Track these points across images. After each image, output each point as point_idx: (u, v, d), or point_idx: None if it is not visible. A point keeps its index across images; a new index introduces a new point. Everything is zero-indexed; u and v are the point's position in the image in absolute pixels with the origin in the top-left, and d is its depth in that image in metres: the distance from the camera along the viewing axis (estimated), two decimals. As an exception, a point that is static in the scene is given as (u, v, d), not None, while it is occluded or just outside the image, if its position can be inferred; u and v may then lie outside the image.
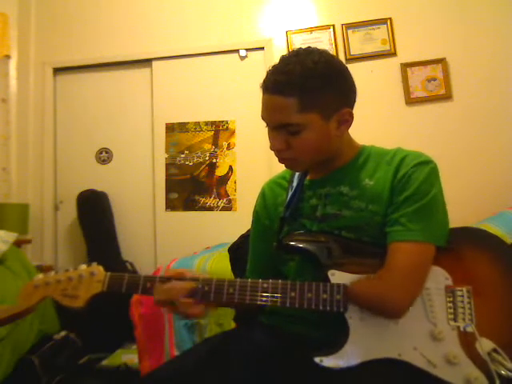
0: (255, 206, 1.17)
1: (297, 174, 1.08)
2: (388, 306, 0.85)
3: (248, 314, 1.11)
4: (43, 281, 0.95)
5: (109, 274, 0.94)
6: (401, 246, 0.88)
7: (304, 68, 0.88)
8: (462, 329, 0.84)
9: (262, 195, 1.15)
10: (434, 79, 2.84)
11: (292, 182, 1.07)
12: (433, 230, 0.89)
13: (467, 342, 0.83)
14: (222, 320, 1.81)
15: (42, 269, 2.77)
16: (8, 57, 3.13)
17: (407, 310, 0.85)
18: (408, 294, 0.86)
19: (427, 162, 0.94)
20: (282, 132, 0.92)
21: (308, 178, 1.06)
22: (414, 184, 0.91)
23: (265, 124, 0.96)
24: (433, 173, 0.93)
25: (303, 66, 0.88)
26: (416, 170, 0.92)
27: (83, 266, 0.96)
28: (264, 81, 0.93)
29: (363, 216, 0.94)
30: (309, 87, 0.88)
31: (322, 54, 0.92)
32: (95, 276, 0.94)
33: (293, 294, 0.87)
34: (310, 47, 0.93)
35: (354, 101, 0.97)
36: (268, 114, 0.94)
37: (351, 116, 0.95)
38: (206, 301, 0.89)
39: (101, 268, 0.95)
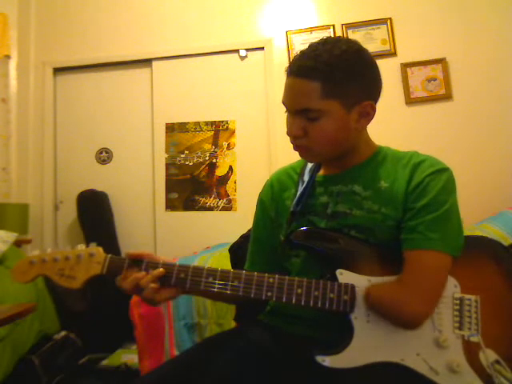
0: (261, 195, 1.14)
1: (308, 168, 1.06)
2: (409, 315, 0.84)
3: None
4: (39, 258, 0.89)
5: (109, 256, 0.90)
6: (422, 254, 0.86)
7: (331, 55, 0.88)
8: (466, 338, 0.84)
9: (270, 186, 1.12)
10: (434, 79, 2.84)
11: (303, 175, 1.05)
12: (450, 240, 0.88)
13: (471, 351, 0.83)
14: (222, 320, 1.81)
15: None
16: (8, 57, 3.12)
17: (425, 320, 0.84)
18: (430, 305, 0.85)
19: (444, 170, 0.92)
20: (300, 118, 0.91)
21: (321, 173, 1.04)
22: (431, 192, 0.89)
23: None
24: (450, 181, 0.92)
25: (330, 53, 0.88)
26: (434, 178, 0.91)
27: (81, 246, 0.91)
28: (289, 65, 0.92)
29: (375, 218, 0.93)
30: (333, 75, 0.87)
31: (350, 43, 0.92)
32: (94, 257, 0.89)
33: (299, 291, 0.86)
34: (339, 36, 0.94)
35: (379, 95, 0.96)
36: (289, 98, 0.93)
37: (373, 110, 0.93)
38: (180, 287, 0.88)
39: (100, 249, 0.91)
